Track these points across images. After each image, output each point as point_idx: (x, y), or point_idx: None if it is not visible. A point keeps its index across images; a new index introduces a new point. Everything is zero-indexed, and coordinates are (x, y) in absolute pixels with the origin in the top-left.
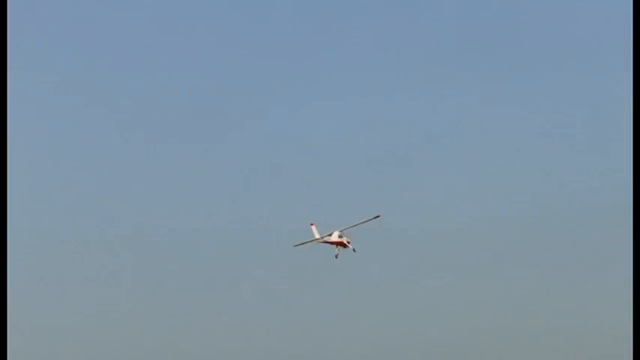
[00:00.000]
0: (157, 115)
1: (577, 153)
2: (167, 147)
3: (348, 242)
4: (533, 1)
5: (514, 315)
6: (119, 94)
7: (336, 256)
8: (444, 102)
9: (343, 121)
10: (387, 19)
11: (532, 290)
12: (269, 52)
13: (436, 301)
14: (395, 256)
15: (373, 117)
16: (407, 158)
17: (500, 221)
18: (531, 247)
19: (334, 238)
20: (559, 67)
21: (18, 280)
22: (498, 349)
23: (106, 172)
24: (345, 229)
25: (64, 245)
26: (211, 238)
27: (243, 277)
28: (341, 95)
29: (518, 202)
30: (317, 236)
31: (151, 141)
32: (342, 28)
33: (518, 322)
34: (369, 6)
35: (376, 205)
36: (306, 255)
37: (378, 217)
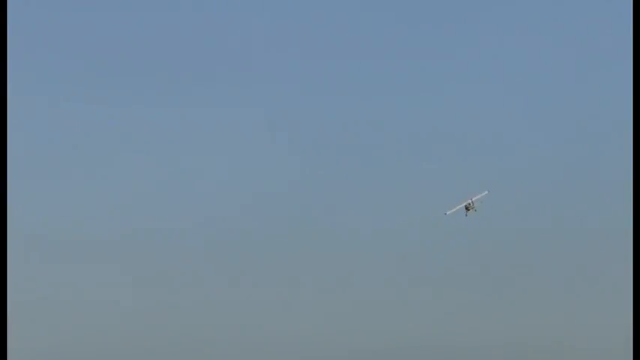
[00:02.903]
0: None
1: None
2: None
3: (473, 205)
4: None
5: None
6: None
7: (466, 215)
8: None
9: None
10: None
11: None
12: None
13: None
14: None
15: None
16: None
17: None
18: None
19: (467, 203)
20: None
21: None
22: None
23: None
24: (475, 199)
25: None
26: None
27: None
28: None
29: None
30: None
31: None
32: None
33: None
34: None
35: None
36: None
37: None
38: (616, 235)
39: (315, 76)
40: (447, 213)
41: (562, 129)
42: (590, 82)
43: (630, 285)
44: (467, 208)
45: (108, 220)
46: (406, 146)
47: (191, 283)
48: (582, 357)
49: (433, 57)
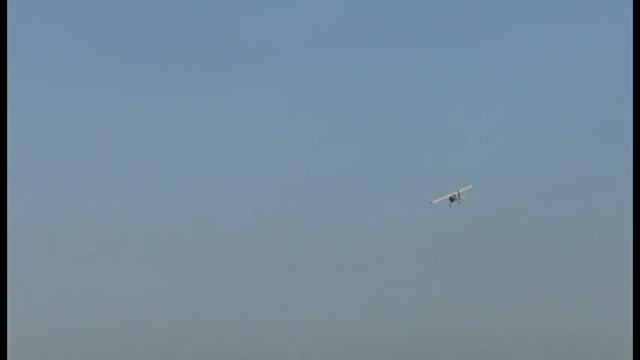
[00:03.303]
0: None
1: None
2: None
3: (458, 197)
4: None
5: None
6: None
7: (450, 205)
8: None
9: None
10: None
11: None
12: None
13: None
14: None
15: None
16: None
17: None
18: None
19: (452, 195)
20: None
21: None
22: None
23: None
24: (461, 191)
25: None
26: None
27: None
28: None
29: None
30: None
31: None
32: None
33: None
34: None
35: None
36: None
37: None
38: (615, 230)
39: (342, 66)
40: (433, 202)
41: (562, 124)
42: (589, 83)
43: (630, 280)
44: (451, 199)
45: (146, 211)
46: (410, 137)
47: (218, 274)
48: (581, 353)
49: (439, 49)
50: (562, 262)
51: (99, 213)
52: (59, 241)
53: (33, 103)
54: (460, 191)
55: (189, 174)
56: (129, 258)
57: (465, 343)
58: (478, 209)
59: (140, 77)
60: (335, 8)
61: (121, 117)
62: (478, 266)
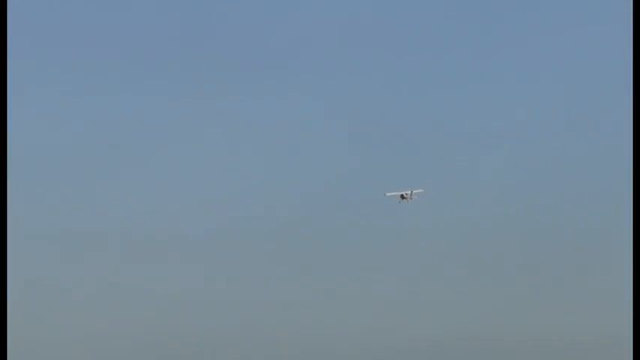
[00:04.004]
0: None
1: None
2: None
3: (410, 196)
4: None
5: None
6: None
7: (399, 202)
8: None
9: None
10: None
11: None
12: None
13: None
14: None
15: None
16: None
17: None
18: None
19: (404, 193)
20: None
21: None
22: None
23: None
24: (414, 192)
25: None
26: None
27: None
28: None
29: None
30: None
31: None
32: None
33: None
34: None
35: None
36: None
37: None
38: (614, 233)
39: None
40: (387, 195)
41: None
42: (587, 86)
43: (630, 284)
44: (402, 197)
45: (184, 213)
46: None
47: (244, 276)
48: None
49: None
50: (581, 267)
51: (127, 217)
52: (100, 242)
53: (57, 109)
54: (414, 191)
55: (216, 177)
56: (162, 259)
57: (478, 347)
58: (497, 214)
59: (168, 80)
60: (360, 12)
61: (150, 119)
62: (494, 271)
